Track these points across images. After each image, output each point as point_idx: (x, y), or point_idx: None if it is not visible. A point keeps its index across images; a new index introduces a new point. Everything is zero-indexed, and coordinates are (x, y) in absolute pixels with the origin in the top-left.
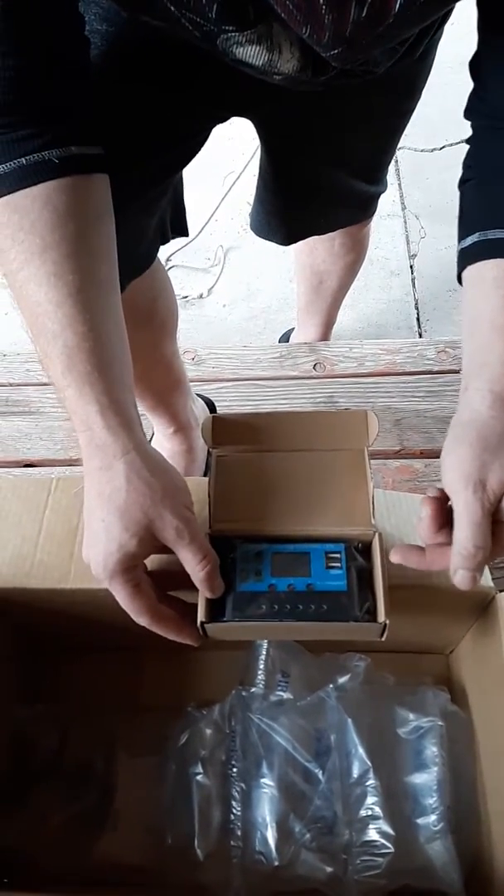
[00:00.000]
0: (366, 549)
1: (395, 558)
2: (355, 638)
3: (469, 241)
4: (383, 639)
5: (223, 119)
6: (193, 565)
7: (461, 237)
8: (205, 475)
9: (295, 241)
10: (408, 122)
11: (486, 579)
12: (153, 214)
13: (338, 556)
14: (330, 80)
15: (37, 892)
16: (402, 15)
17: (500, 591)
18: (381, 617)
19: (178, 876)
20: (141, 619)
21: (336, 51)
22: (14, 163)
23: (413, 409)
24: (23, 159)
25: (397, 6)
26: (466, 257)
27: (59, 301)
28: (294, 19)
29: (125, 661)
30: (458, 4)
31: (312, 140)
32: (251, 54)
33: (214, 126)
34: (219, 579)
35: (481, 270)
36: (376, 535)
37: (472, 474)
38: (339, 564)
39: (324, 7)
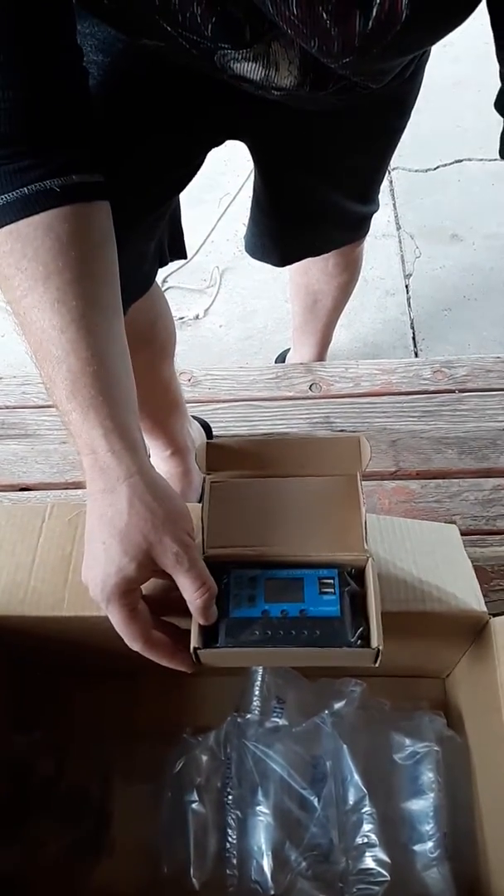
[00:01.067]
0: (359, 575)
1: None
2: (349, 664)
3: None
4: (377, 665)
5: (219, 143)
6: (191, 592)
7: None
8: (201, 498)
9: (289, 263)
10: (398, 140)
11: (480, 604)
12: (152, 238)
13: (331, 581)
14: (329, 95)
15: None
16: (410, 25)
17: (494, 615)
18: (375, 642)
19: None
20: (135, 645)
21: (347, 59)
22: (16, 192)
23: (409, 430)
24: (25, 189)
25: (403, 16)
26: None
27: (62, 327)
28: (301, 34)
29: (120, 686)
30: None
31: (307, 161)
32: (248, 70)
33: (210, 150)
34: (214, 607)
35: None
36: (369, 560)
37: None
38: (332, 590)
39: (327, 21)
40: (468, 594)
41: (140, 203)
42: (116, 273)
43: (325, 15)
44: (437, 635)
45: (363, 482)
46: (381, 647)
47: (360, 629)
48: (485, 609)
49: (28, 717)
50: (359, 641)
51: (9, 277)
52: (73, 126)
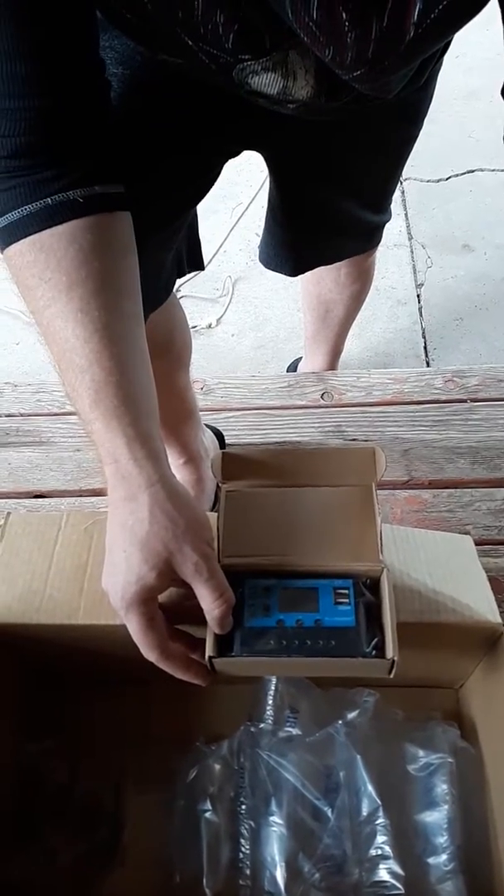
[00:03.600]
0: (374, 585)
1: None
2: (363, 675)
3: None
4: (391, 676)
5: (236, 154)
6: (209, 602)
7: None
8: (213, 507)
9: (302, 272)
10: (411, 149)
11: (495, 615)
12: (171, 249)
13: (346, 591)
14: (343, 105)
15: None
16: (421, 32)
17: None
18: (390, 653)
19: None
20: (150, 655)
21: (358, 72)
22: (40, 203)
23: (421, 439)
24: (48, 199)
25: (415, 15)
26: None
27: (86, 337)
28: (317, 41)
29: (134, 695)
30: (462, 37)
31: (322, 171)
32: (266, 83)
33: (227, 160)
34: (230, 617)
35: None
36: (384, 570)
37: None
38: (347, 600)
39: (347, 24)
40: (483, 605)
41: (159, 214)
42: (138, 283)
43: (344, 15)
44: (451, 646)
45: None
46: (396, 658)
47: (375, 640)
48: (500, 620)
49: (41, 725)
50: (373, 652)
51: (32, 288)
52: (94, 136)
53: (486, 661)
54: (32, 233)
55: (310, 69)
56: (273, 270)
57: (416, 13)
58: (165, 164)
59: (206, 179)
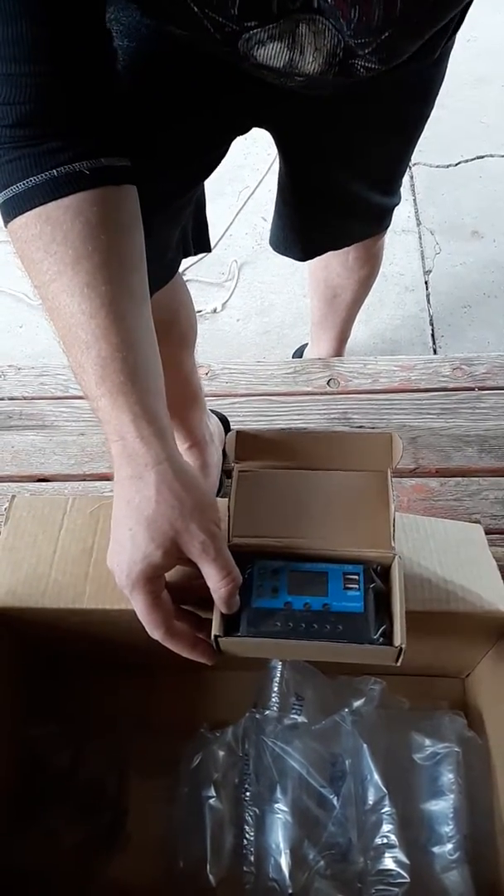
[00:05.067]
0: (384, 572)
1: None
2: (370, 661)
3: None
4: (398, 664)
5: (244, 130)
6: (216, 581)
7: None
8: (218, 493)
9: (312, 257)
10: (422, 129)
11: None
12: (177, 226)
13: (356, 577)
14: (353, 82)
15: None
16: None
17: None
18: (398, 640)
19: None
20: (156, 633)
21: (380, 39)
22: (45, 174)
23: (428, 427)
24: (54, 171)
25: None
26: None
27: (92, 312)
28: (343, 2)
29: (138, 681)
30: (476, 22)
31: (331, 150)
32: (272, 55)
33: (235, 137)
34: (237, 597)
35: None
36: (396, 558)
37: None
38: (356, 586)
39: None
40: (493, 594)
41: (164, 188)
42: (144, 258)
43: None
44: (459, 635)
45: None
46: (403, 646)
47: (383, 627)
48: None
49: (45, 708)
50: (381, 639)
51: (37, 262)
52: (100, 108)
53: (494, 651)
54: (38, 205)
55: (320, 48)
56: (283, 255)
57: None
58: (171, 137)
59: (213, 155)
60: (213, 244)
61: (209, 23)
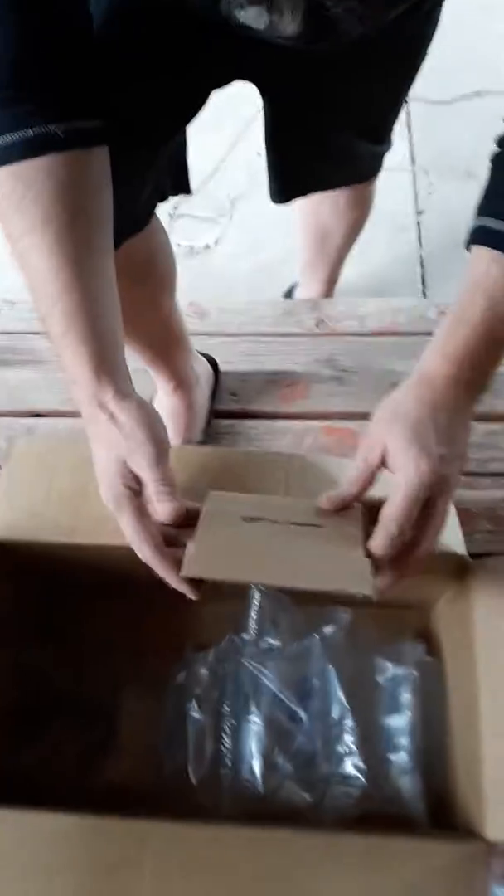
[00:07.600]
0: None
1: (324, 504)
2: (346, 586)
3: (477, 221)
4: (375, 584)
5: (225, 83)
6: (152, 490)
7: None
8: (204, 430)
9: (294, 197)
10: (413, 79)
11: (461, 546)
12: (150, 175)
13: None
14: (334, 42)
15: (54, 812)
16: None
17: (478, 555)
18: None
19: (175, 800)
20: (144, 550)
21: None
22: (20, 133)
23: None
24: (29, 130)
25: None
26: (470, 235)
27: (57, 269)
28: None
29: (130, 609)
30: None
31: (317, 101)
32: (252, 17)
33: (213, 90)
34: (177, 504)
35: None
36: (359, 507)
37: (423, 458)
38: None
39: None
40: (451, 538)
41: (138, 139)
42: (111, 216)
43: None
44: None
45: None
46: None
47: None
48: (464, 552)
49: (48, 633)
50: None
51: (8, 217)
52: (76, 70)
53: (454, 588)
54: (12, 161)
55: (296, 9)
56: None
57: None
58: (147, 88)
59: (190, 108)
60: (207, 178)
61: None
